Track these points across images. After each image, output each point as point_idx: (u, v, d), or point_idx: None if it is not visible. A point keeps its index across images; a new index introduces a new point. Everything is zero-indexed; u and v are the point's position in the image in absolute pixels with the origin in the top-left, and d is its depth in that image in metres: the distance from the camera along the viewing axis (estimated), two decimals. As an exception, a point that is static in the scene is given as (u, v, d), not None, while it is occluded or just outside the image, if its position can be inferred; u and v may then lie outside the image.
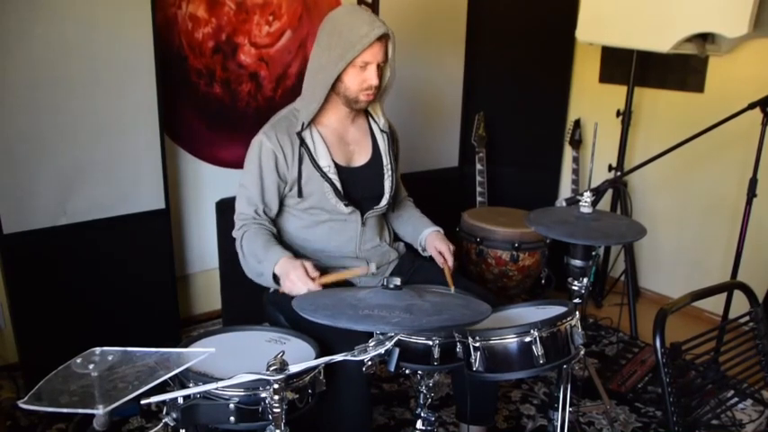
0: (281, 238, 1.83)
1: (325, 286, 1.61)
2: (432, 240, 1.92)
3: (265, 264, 1.68)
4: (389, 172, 1.89)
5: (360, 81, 1.71)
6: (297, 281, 1.59)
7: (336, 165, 1.80)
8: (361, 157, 1.87)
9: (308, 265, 1.63)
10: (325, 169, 1.77)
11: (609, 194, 3.00)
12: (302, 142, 1.76)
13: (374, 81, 1.70)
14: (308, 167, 1.77)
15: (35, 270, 2.17)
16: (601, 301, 3.14)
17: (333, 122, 1.83)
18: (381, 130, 1.90)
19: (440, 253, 1.89)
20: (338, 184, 1.78)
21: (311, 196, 1.79)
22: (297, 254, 1.75)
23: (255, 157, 1.76)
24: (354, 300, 1.26)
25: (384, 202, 1.89)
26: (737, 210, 2.53)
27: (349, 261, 1.87)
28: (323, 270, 1.70)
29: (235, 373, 1.14)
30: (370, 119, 1.92)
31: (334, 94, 1.76)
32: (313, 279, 1.60)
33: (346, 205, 1.80)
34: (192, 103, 2.51)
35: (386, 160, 1.89)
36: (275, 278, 1.67)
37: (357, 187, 1.84)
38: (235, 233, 1.80)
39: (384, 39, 1.69)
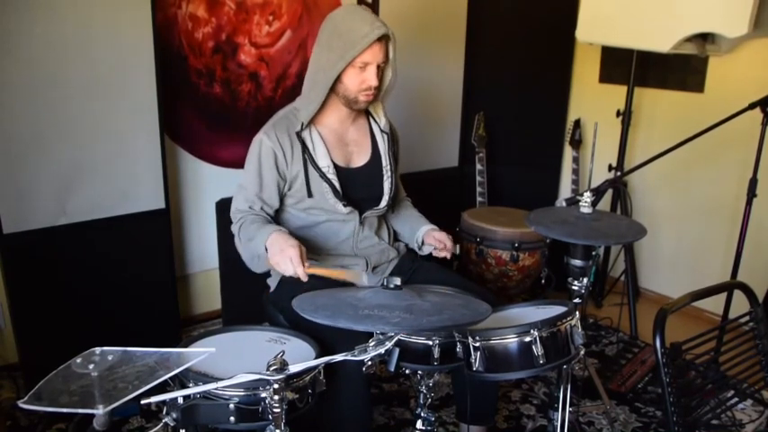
0: None
1: (311, 276, 1.57)
2: (430, 233, 1.92)
3: (257, 240, 1.64)
4: (389, 173, 1.89)
5: (359, 82, 1.70)
6: (288, 260, 1.53)
7: (335, 165, 1.80)
8: (360, 158, 1.87)
9: (304, 251, 1.58)
10: (324, 170, 1.77)
11: (609, 194, 3.00)
12: (303, 142, 1.76)
13: (374, 82, 1.70)
14: (309, 168, 1.77)
15: (35, 270, 2.17)
16: (601, 301, 3.14)
17: (333, 123, 1.83)
18: (382, 131, 1.90)
19: (439, 241, 1.88)
20: (337, 185, 1.78)
21: (308, 197, 1.79)
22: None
23: (255, 155, 1.77)
24: (354, 300, 1.26)
25: (383, 203, 1.89)
26: (737, 210, 2.52)
27: (347, 260, 1.87)
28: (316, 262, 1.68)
29: (235, 373, 1.14)
30: (371, 119, 1.92)
31: (333, 95, 1.76)
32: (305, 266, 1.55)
33: (345, 206, 1.80)
34: (192, 103, 2.51)
35: (385, 161, 1.89)
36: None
37: (356, 188, 1.84)
38: (233, 228, 1.80)
39: (384, 39, 1.68)
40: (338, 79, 1.71)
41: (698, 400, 1.54)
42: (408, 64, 2.98)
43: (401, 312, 1.19)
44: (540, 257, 2.73)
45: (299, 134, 1.75)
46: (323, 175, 1.77)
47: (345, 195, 1.80)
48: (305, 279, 1.54)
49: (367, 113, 1.92)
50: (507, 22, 3.25)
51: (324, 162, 1.78)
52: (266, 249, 1.62)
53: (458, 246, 1.93)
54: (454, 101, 3.27)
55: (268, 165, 1.76)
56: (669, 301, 1.53)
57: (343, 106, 1.78)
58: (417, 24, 2.99)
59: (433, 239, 1.90)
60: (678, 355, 1.48)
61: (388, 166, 1.89)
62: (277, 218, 1.86)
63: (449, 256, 1.88)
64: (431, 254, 1.93)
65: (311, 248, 1.85)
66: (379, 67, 1.70)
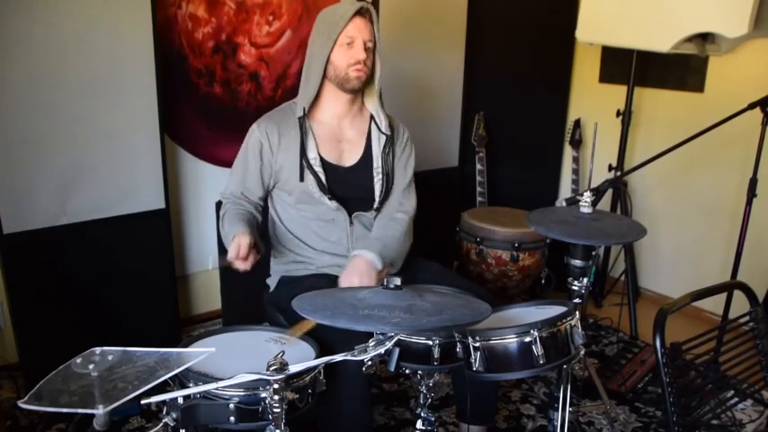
0: (274, 230, 1.91)
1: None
2: (349, 263, 1.72)
3: (229, 238, 1.70)
4: (379, 176, 1.88)
5: (347, 57, 1.73)
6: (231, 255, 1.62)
7: (324, 160, 1.81)
8: (351, 158, 1.88)
9: (246, 241, 1.62)
10: (311, 161, 1.79)
11: (609, 194, 3.00)
12: (301, 128, 1.79)
13: (361, 55, 1.73)
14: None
15: (35, 270, 2.17)
16: (601, 301, 3.14)
17: (328, 118, 1.85)
18: (381, 133, 1.89)
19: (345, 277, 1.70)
20: (322, 177, 1.80)
21: (297, 187, 1.81)
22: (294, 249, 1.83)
23: (245, 143, 1.85)
24: (354, 300, 1.26)
25: (375, 205, 1.88)
26: (737, 210, 2.52)
27: (344, 260, 1.85)
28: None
29: (235, 373, 1.13)
30: (373, 121, 1.90)
31: (328, 83, 1.79)
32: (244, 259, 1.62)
33: (330, 199, 1.80)
34: (192, 103, 2.51)
35: (376, 163, 1.88)
36: None
37: (343, 186, 1.84)
38: (221, 210, 1.86)
39: (367, 16, 1.73)
40: (329, 62, 1.75)
41: (698, 400, 1.54)
42: (408, 63, 2.99)
43: (401, 312, 1.18)
44: (540, 257, 2.73)
45: (300, 119, 1.79)
46: (309, 167, 1.79)
47: (332, 191, 1.81)
48: (242, 268, 1.62)
49: (370, 116, 1.91)
50: (507, 22, 3.25)
51: (311, 154, 1.81)
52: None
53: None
54: (454, 101, 3.27)
55: (253, 153, 1.82)
56: (669, 301, 1.53)
57: (338, 93, 1.80)
58: (417, 24, 2.99)
59: (344, 272, 1.71)
60: (678, 355, 1.49)
61: (380, 169, 1.88)
62: (274, 211, 1.91)
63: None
64: (430, 254, 1.94)
65: (306, 248, 1.86)
66: (366, 46, 1.73)
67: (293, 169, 1.80)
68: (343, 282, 1.67)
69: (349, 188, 1.85)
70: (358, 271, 1.67)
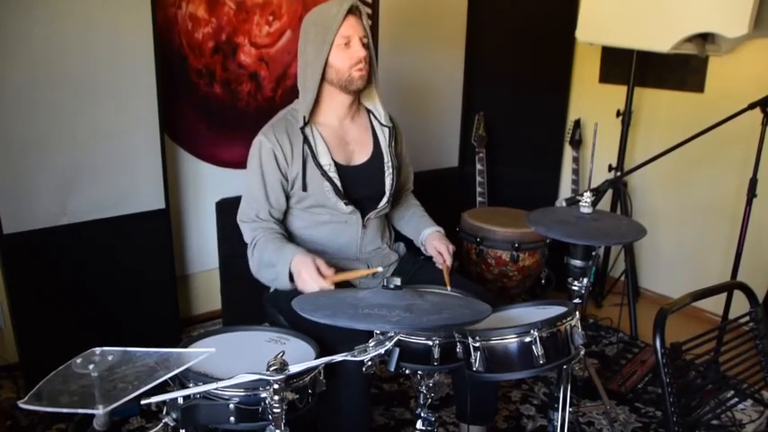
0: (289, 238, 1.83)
1: (337, 285, 1.60)
2: (431, 240, 1.92)
3: (280, 266, 1.66)
4: (390, 169, 1.89)
5: (347, 58, 1.71)
6: (309, 279, 1.58)
7: (336, 164, 1.80)
8: (361, 156, 1.87)
9: (321, 262, 1.61)
10: (325, 167, 1.77)
11: (609, 194, 3.00)
12: (305, 138, 1.76)
13: (362, 52, 1.71)
14: (311, 165, 1.77)
15: (35, 270, 2.17)
16: (601, 302, 3.14)
17: (331, 121, 1.83)
18: (383, 125, 1.90)
19: (439, 253, 1.89)
20: (338, 183, 1.78)
21: (312, 195, 1.79)
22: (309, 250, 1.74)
23: (256, 158, 1.77)
24: (354, 299, 1.26)
25: (384, 201, 1.88)
26: (737, 210, 2.53)
27: (350, 263, 1.86)
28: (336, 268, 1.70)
29: (235, 374, 1.14)
30: (371, 116, 1.91)
31: (328, 86, 1.76)
32: (325, 277, 1.59)
33: (346, 204, 1.79)
34: (192, 103, 2.51)
35: (387, 157, 1.89)
36: (291, 277, 1.66)
37: (357, 186, 1.83)
38: (246, 238, 1.80)
39: (357, 12, 1.72)
40: (328, 65, 1.72)
41: (698, 401, 1.54)
42: (408, 64, 2.99)
43: (401, 311, 1.18)
44: (540, 257, 2.73)
45: (302, 129, 1.76)
46: (324, 173, 1.77)
47: (347, 194, 1.80)
48: (332, 288, 1.58)
49: (367, 110, 1.91)
50: (507, 22, 3.25)
51: (325, 160, 1.78)
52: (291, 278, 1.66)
53: (456, 263, 1.92)
54: (454, 101, 3.27)
55: (270, 166, 1.75)
56: (669, 301, 1.53)
57: (340, 95, 1.78)
58: (417, 24, 2.99)
59: (433, 251, 1.91)
60: (678, 356, 1.48)
61: (390, 163, 1.89)
62: (284, 220, 1.86)
63: (445, 271, 1.86)
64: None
65: (315, 250, 1.85)
66: (362, 42, 1.72)
67: (310, 177, 1.77)
68: (446, 247, 1.88)
69: (362, 188, 1.85)
70: (448, 240, 1.93)
